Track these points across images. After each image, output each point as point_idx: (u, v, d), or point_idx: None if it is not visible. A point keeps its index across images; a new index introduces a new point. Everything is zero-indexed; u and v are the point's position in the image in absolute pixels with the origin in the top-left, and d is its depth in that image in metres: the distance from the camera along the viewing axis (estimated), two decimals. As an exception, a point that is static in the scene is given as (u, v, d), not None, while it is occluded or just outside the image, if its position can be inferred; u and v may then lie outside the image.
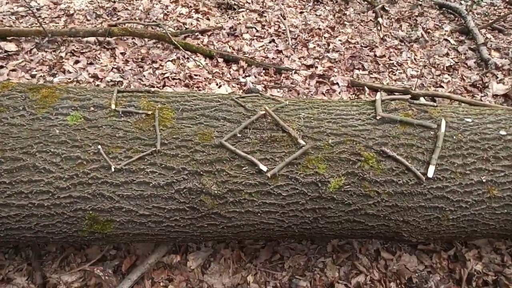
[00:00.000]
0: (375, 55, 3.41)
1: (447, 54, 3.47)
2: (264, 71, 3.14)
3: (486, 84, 3.08)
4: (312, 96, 2.92)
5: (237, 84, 3.00)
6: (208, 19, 3.80)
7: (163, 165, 1.45)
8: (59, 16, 3.71)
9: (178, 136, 1.51)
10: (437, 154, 1.54)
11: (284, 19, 3.81)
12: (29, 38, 3.24)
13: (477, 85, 3.09)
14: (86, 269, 1.82)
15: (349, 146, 1.55)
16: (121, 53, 3.25)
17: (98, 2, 3.91)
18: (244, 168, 1.48)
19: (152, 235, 1.54)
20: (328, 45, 3.52)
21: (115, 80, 2.93)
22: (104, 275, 1.79)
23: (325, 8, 4.04)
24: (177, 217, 1.47)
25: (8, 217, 1.42)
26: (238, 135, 1.53)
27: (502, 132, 1.65)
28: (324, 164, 1.51)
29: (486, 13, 4.08)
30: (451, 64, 3.34)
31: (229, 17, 3.84)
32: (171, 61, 3.18)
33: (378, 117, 1.64)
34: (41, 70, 2.99)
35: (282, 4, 4.06)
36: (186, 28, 3.61)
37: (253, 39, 3.56)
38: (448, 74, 3.23)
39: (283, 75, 3.11)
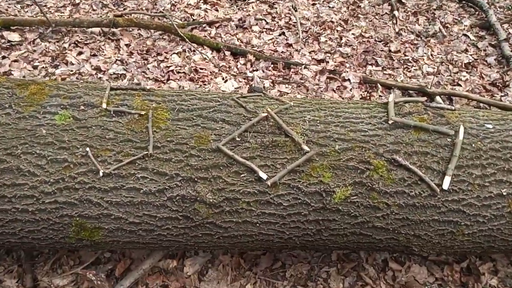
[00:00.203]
0: (390, 50, 3.26)
1: (466, 50, 3.30)
2: (272, 65, 3.03)
3: (507, 83, 2.91)
4: (322, 93, 2.80)
5: (244, 78, 2.89)
6: (217, 10, 3.67)
7: (155, 171, 1.35)
8: (65, 5, 3.63)
9: (173, 139, 1.41)
10: (454, 163, 1.42)
11: (296, 11, 3.66)
12: (33, 28, 3.17)
13: (497, 84, 2.93)
14: (79, 273, 1.77)
15: (357, 153, 1.43)
16: (126, 45, 3.16)
17: (105, -9, 3.82)
18: (243, 175, 1.37)
19: (144, 243, 1.45)
20: (341, 39, 3.38)
21: (118, 73, 2.84)
22: (97, 280, 1.73)
23: (338, -1, 3.88)
24: (169, 226, 1.38)
25: (-9, 222, 1.34)
26: (237, 138, 1.42)
27: (526, 141, 1.52)
28: (329, 172, 1.39)
29: (510, 7, 3.87)
30: (470, 61, 3.17)
31: (239, 8, 3.71)
32: (177, 53, 3.07)
33: (390, 122, 1.52)
34: (43, 61, 2.93)
35: (294, -5, 3.91)
36: (194, 20, 3.50)
37: (263, 32, 3.43)
38: (467, 72, 3.07)
39: (292, 70, 2.99)
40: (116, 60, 2.97)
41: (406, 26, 3.59)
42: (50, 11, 3.49)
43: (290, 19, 3.60)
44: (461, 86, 2.92)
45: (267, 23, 3.54)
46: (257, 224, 1.40)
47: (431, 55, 3.25)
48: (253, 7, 3.71)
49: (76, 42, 3.11)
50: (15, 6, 3.52)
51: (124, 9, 3.61)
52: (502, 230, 1.47)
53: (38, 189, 1.33)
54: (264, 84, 2.83)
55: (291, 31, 3.44)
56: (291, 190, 1.38)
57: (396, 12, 3.67)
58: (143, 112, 1.44)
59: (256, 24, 3.50)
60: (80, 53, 3.00)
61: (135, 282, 1.71)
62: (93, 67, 2.88)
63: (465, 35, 3.49)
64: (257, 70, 2.97)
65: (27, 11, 3.48)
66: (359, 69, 3.06)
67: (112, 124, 1.42)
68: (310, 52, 3.21)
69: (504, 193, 1.44)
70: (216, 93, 1.63)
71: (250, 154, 1.40)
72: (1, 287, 1.68)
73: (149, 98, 1.52)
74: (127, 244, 1.45)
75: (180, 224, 1.38)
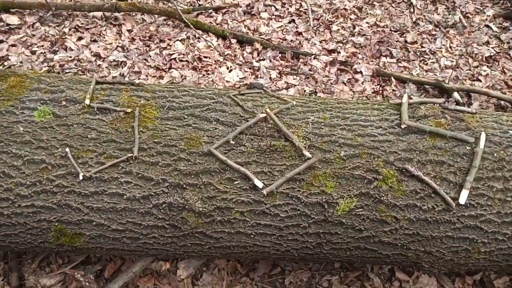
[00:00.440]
0: (406, 41, 3.09)
1: (487, 43, 3.11)
2: (280, 55, 2.88)
3: (531, 79, 2.72)
4: (331, 85, 2.64)
5: (250, 68, 2.75)
6: (225, -5, 3.51)
7: (140, 175, 1.24)
8: (67, -13, 3.49)
9: (160, 140, 1.29)
10: (473, 175, 1.27)
11: (307, -4, 3.49)
12: (33, 11, 3.06)
13: (521, 80, 2.74)
14: (67, 272, 1.70)
15: (365, 161, 1.29)
16: (128, 30, 3.04)
17: (109, -27, 3.67)
18: (236, 182, 1.25)
19: (129, 250, 1.34)
20: (354, 27, 3.21)
21: (118, 60, 2.73)
22: (85, 281, 1.67)
23: (353, -15, 3.69)
24: (155, 234, 1.27)
25: (-36, 225, 1.25)
26: (232, 141, 1.29)
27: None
28: (333, 181, 1.26)
29: (536, -4, 3.64)
30: (491, 54, 2.99)
31: (247, -7, 3.54)
32: (180, 40, 2.94)
33: (403, 126, 1.37)
34: (42, 46, 2.82)
35: (307, -20, 3.73)
36: (200, 4, 3.35)
37: (271, 19, 3.27)
38: (487, 66, 2.89)
39: (301, 60, 2.84)
40: (117, 46, 2.85)
41: (424, 15, 3.40)
42: (52, -7, 3.36)
43: (301, 5, 3.44)
44: (480, 81, 2.76)
45: (276, 9, 3.38)
46: (252, 236, 1.28)
47: (450, 47, 3.07)
48: (262, -8, 3.54)
49: (77, 27, 2.99)
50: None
51: (128, -8, 3.47)
52: (524, 249, 1.33)
53: (14, 192, 1.23)
54: (270, 75, 2.69)
55: (302, 18, 3.28)
56: (290, 200, 1.26)
57: (413, 0, 3.49)
58: (129, 110, 1.31)
59: (265, 11, 3.34)
60: (80, 38, 2.89)
61: (125, 285, 1.63)
62: (92, 54, 2.77)
63: (487, 26, 3.30)
64: (264, 59, 2.83)
65: (28, -8, 3.36)
66: (372, 61, 2.89)
67: (95, 122, 1.29)
68: (320, 42, 3.05)
69: (528, 209, 1.29)
70: (212, 89, 1.50)
71: (245, 159, 1.27)
72: (-15, 285, 1.62)
73: (137, 94, 1.39)
74: (112, 251, 1.35)
75: (167, 233, 1.27)
